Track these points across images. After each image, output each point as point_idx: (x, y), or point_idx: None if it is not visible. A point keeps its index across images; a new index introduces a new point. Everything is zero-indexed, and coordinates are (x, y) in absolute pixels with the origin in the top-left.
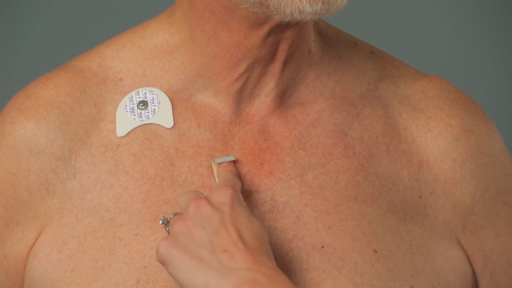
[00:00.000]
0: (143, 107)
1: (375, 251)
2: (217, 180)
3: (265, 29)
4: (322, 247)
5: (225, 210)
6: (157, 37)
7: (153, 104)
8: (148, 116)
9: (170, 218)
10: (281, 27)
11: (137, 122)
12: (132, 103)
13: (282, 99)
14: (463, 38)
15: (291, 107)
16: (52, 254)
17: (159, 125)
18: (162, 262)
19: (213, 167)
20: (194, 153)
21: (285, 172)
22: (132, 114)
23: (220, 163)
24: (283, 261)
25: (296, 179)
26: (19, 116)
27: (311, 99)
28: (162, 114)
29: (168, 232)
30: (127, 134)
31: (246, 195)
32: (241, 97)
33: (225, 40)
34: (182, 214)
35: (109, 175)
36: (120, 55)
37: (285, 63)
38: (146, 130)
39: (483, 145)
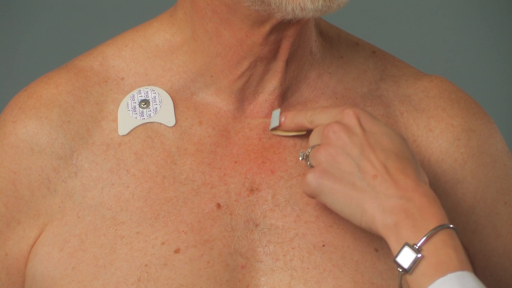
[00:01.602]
0: (145, 105)
1: (376, 250)
2: (288, 134)
3: (267, 27)
4: (323, 245)
5: (359, 132)
6: (158, 36)
7: (155, 103)
8: (149, 114)
9: (309, 152)
10: (283, 25)
11: (139, 120)
12: (134, 102)
13: (284, 98)
14: (464, 38)
15: (294, 106)
16: (53, 252)
17: (160, 123)
18: (313, 194)
19: (280, 134)
20: (195, 150)
21: (287, 171)
22: (133, 113)
23: (276, 126)
24: (284, 259)
25: (298, 178)
26: (20, 115)
27: (313, 98)
28: (163, 112)
29: (310, 166)
30: (128, 133)
31: (247, 193)
32: (244, 94)
33: (227, 38)
34: (319, 145)
35: (110, 173)
36: (122, 55)
37: (287, 62)
38: (147, 129)
39: (484, 145)
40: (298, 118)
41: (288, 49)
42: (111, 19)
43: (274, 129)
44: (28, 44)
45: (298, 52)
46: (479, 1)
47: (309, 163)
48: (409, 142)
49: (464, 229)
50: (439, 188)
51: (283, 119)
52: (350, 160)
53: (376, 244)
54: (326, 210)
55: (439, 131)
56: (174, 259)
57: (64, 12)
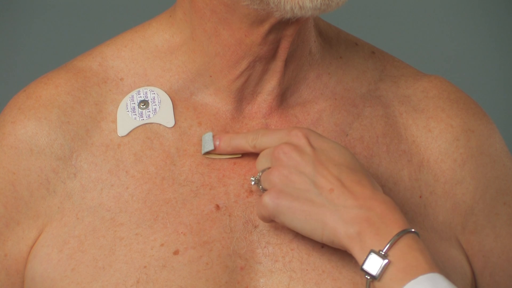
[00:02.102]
0: (144, 106)
1: None
2: (220, 157)
3: (266, 26)
4: (322, 247)
5: (309, 150)
6: (158, 37)
7: (154, 104)
8: (149, 115)
9: (260, 176)
10: (282, 25)
11: (138, 121)
12: (133, 102)
13: (283, 98)
14: (464, 38)
15: (292, 107)
16: (52, 253)
17: (160, 124)
18: (271, 215)
19: (213, 157)
20: (195, 151)
21: None
22: (133, 114)
23: (210, 150)
24: (283, 261)
25: None
26: (19, 115)
27: (312, 99)
28: (163, 113)
29: (263, 190)
30: (128, 134)
31: (246, 194)
32: (243, 95)
33: (226, 38)
34: (269, 168)
35: (109, 174)
36: (121, 55)
37: (286, 62)
38: (147, 130)
39: (483, 145)
40: (236, 141)
41: (287, 49)
42: (110, 19)
43: (208, 152)
44: (28, 44)
45: (297, 52)
46: (479, 1)
47: (261, 187)
48: (408, 142)
49: (463, 230)
50: (438, 188)
51: (217, 142)
52: (304, 178)
53: None
54: None
55: (439, 131)
56: (173, 260)
57: (64, 12)
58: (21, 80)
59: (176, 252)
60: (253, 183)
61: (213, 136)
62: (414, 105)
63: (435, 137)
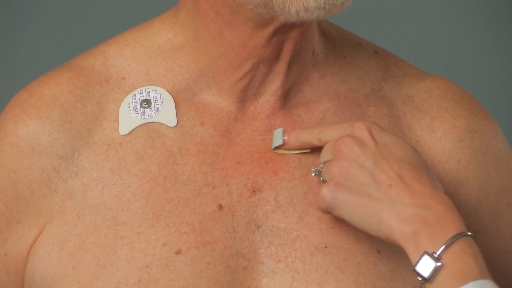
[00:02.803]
0: (146, 105)
1: (379, 252)
2: (292, 152)
3: (270, 29)
4: (325, 247)
5: (371, 144)
6: (160, 36)
7: (156, 103)
8: (151, 114)
9: (321, 168)
10: (286, 27)
11: (140, 120)
12: (135, 101)
13: (287, 99)
14: (466, 38)
15: (296, 107)
16: (53, 252)
17: (162, 123)
18: (329, 207)
19: (282, 152)
20: (197, 151)
21: (289, 172)
22: (135, 113)
23: (279, 145)
24: (286, 261)
25: (300, 179)
26: (21, 114)
27: (316, 99)
28: (165, 112)
29: (323, 181)
30: (130, 133)
31: (249, 194)
32: (246, 95)
33: (230, 40)
34: (331, 160)
35: (111, 173)
36: (123, 54)
37: (290, 63)
38: (149, 129)
39: (487, 146)
40: (304, 136)
41: (291, 50)
42: (112, 18)
43: (277, 147)
44: (28, 44)
45: (301, 53)
46: (480, 1)
47: (322, 179)
48: (412, 142)
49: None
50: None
51: (286, 137)
52: (364, 171)
53: (379, 245)
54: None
55: (442, 132)
56: (175, 260)
57: (65, 11)
58: (23, 79)
59: (178, 252)
60: (313, 174)
61: (283, 132)
62: (418, 105)
63: (439, 138)
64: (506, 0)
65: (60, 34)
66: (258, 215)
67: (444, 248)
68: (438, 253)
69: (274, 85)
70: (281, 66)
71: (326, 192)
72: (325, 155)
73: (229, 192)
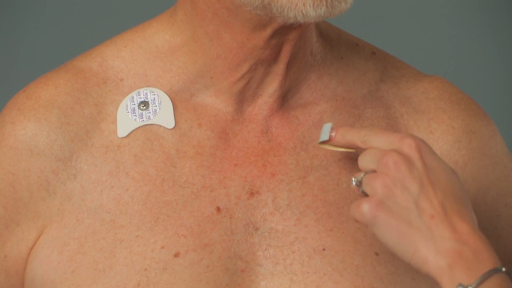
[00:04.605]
0: (144, 107)
1: (377, 254)
2: (338, 150)
3: (268, 31)
4: (324, 249)
5: (420, 166)
6: (158, 37)
7: (154, 105)
8: (149, 116)
9: (361, 178)
10: (284, 29)
11: (138, 122)
12: (133, 103)
13: (284, 100)
14: (465, 39)
15: (293, 108)
16: (52, 255)
17: (160, 125)
18: (367, 223)
19: (328, 148)
20: (195, 153)
21: (287, 174)
22: (133, 115)
23: (326, 140)
24: (284, 263)
25: (298, 181)
26: (19, 116)
27: (313, 100)
28: (163, 114)
29: (362, 192)
30: (128, 135)
31: (247, 196)
32: (244, 96)
33: (228, 41)
34: (375, 172)
35: (109, 176)
36: (121, 55)
37: (288, 65)
38: (147, 131)
39: (484, 147)
40: (350, 135)
41: (289, 52)
42: (110, 19)
43: (323, 142)
44: (27, 44)
45: (299, 54)
46: (480, 1)
47: (362, 190)
48: None
49: None
50: None
51: (333, 133)
52: (407, 195)
53: (377, 248)
54: (327, 213)
55: (440, 133)
56: (174, 263)
57: (64, 12)
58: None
59: (176, 255)
60: (354, 183)
61: (332, 128)
62: (415, 106)
63: (437, 139)
64: (506, 0)
65: (59, 34)
66: (256, 217)
67: (479, 282)
68: (473, 286)
69: (272, 87)
70: (280, 68)
71: (367, 209)
72: (365, 161)
73: (227, 194)
